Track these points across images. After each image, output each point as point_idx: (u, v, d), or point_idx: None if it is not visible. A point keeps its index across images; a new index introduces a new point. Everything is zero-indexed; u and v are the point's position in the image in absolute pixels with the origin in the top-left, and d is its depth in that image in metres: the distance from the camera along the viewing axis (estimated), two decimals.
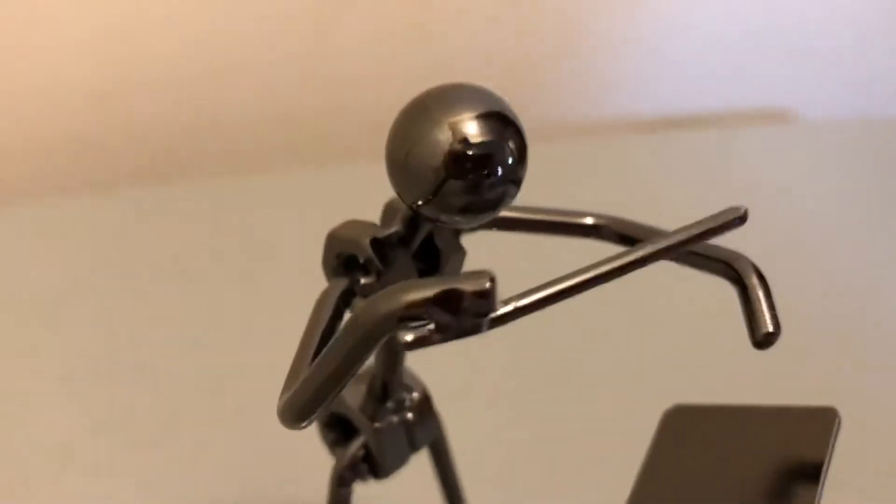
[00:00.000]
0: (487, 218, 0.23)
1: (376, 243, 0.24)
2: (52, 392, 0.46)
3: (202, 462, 0.42)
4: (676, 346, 0.47)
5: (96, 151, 0.63)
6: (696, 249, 0.24)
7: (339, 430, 0.30)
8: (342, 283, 0.25)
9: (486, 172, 0.21)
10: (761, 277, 0.24)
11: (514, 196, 0.22)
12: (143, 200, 0.60)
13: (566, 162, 0.60)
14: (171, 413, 0.45)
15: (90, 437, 0.44)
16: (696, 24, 0.66)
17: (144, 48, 0.61)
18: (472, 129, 0.21)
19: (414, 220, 0.24)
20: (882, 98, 0.68)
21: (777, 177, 0.60)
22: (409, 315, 0.19)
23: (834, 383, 0.44)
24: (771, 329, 0.23)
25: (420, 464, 0.32)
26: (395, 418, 0.29)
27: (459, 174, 0.21)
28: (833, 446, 0.25)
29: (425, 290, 0.19)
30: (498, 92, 0.22)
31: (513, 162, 0.22)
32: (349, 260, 0.25)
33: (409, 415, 0.29)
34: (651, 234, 0.25)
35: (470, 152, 0.21)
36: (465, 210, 0.22)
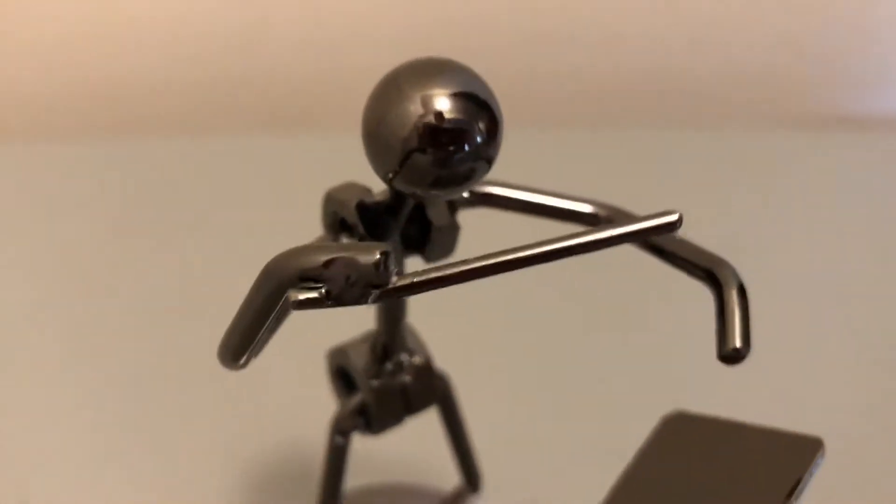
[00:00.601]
0: (459, 192, 0.23)
1: (362, 208, 0.24)
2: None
3: (200, 411, 0.43)
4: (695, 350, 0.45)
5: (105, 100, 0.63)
6: (683, 252, 0.24)
7: (344, 382, 0.31)
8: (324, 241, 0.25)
9: (451, 148, 0.21)
10: (742, 291, 0.23)
11: (484, 172, 0.23)
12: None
13: None
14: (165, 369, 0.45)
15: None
16: None
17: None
18: (442, 104, 0.21)
19: (399, 192, 0.24)
20: None
21: None
22: (306, 276, 0.20)
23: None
24: (739, 345, 0.22)
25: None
26: (392, 379, 0.30)
27: (424, 147, 0.21)
28: (810, 475, 0.25)
29: (322, 255, 0.20)
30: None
31: (481, 141, 0.22)
32: (343, 220, 0.26)
33: (407, 377, 0.30)
34: (665, 242, 0.24)
35: (437, 126, 0.21)
36: (435, 183, 0.22)
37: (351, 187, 0.25)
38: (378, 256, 0.19)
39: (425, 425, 0.34)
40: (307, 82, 0.63)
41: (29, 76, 0.63)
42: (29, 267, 0.51)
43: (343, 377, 0.31)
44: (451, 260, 0.24)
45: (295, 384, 0.40)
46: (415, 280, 0.20)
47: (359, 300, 0.20)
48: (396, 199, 0.25)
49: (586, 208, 0.26)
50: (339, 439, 0.31)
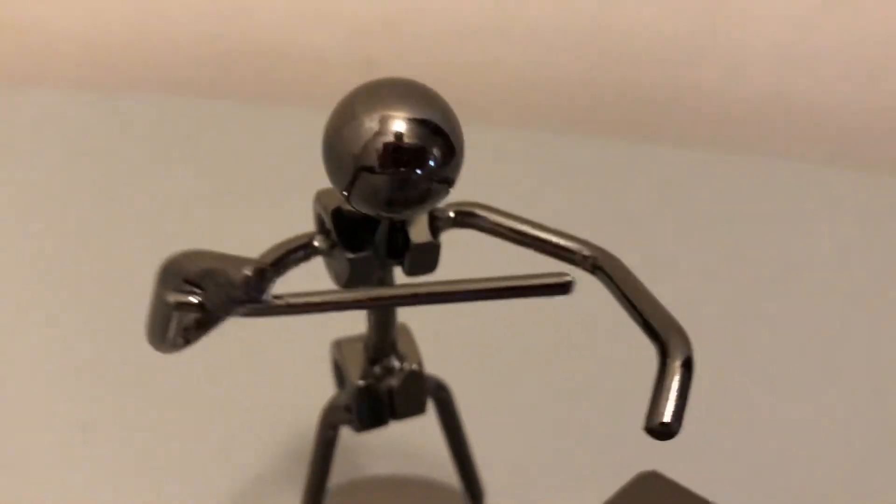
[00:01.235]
0: (417, 212, 0.23)
1: (337, 215, 0.24)
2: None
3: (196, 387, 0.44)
4: None
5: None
6: (643, 307, 0.22)
7: (340, 376, 0.31)
8: (304, 236, 0.25)
9: (402, 170, 0.21)
10: (687, 364, 0.21)
11: (443, 195, 0.22)
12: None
13: None
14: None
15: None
16: None
17: None
18: (398, 126, 0.21)
19: None
20: None
21: None
22: (188, 280, 0.20)
23: None
24: (668, 420, 0.20)
25: None
26: (378, 383, 0.30)
27: (373, 166, 0.21)
28: None
29: (200, 262, 0.20)
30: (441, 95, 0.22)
31: (434, 164, 0.21)
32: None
33: (394, 382, 0.30)
34: (634, 293, 0.23)
35: (389, 146, 0.21)
36: (389, 204, 0.22)
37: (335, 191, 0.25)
38: (248, 274, 0.19)
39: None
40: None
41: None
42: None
43: (339, 370, 0.31)
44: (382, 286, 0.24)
45: (304, 370, 0.41)
46: (290, 302, 0.20)
47: (229, 312, 0.20)
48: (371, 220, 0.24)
49: (572, 245, 0.25)
50: (327, 430, 0.31)
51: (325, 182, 0.23)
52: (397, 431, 0.41)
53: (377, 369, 0.30)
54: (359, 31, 0.62)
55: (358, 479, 0.39)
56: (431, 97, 0.22)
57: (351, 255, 0.24)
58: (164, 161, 0.57)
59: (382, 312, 0.28)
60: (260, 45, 0.63)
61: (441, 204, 0.25)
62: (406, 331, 0.30)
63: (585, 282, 0.27)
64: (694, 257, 0.51)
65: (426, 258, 0.25)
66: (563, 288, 0.20)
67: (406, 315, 0.31)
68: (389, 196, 0.22)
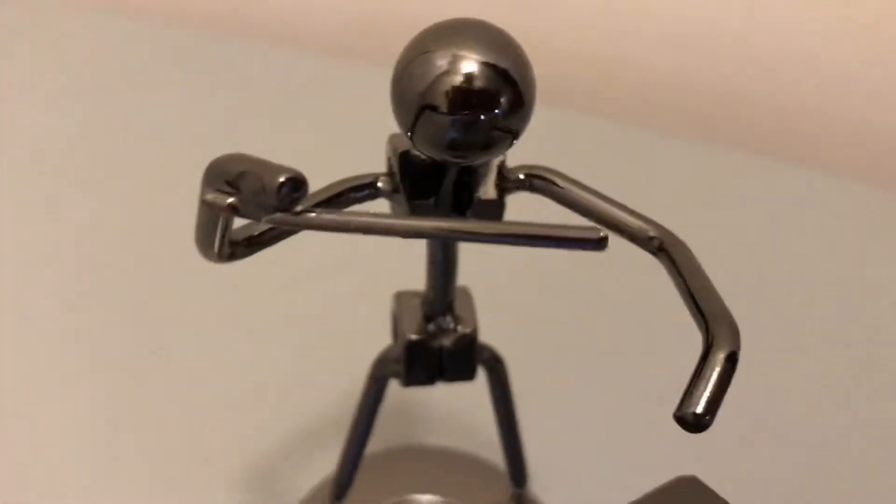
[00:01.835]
0: (479, 158, 0.22)
1: (405, 159, 0.24)
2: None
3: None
4: None
5: None
6: (696, 291, 0.21)
7: (397, 328, 0.31)
8: (369, 175, 0.25)
9: (466, 112, 0.21)
10: (731, 358, 0.20)
11: (507, 144, 0.22)
12: None
13: None
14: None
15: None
16: None
17: None
18: (468, 67, 0.21)
19: None
20: None
21: None
22: (227, 180, 0.20)
23: None
24: (701, 411, 0.19)
25: None
26: (430, 340, 0.29)
27: (437, 105, 0.21)
28: None
29: (242, 165, 0.19)
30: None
31: (500, 113, 0.21)
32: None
33: (446, 342, 0.29)
34: (693, 280, 0.22)
35: (456, 87, 0.21)
36: (453, 146, 0.22)
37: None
38: (282, 180, 0.19)
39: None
40: None
41: None
42: None
43: (396, 323, 0.31)
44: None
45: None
46: (319, 216, 0.20)
47: (259, 218, 0.20)
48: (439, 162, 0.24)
49: (639, 224, 0.24)
50: (376, 381, 0.31)
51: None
52: (446, 403, 0.41)
53: (431, 326, 0.29)
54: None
55: (401, 446, 0.39)
56: (507, 42, 0.21)
57: (412, 202, 0.24)
58: (244, 108, 0.58)
59: (441, 265, 0.28)
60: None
61: (512, 164, 0.25)
62: (466, 294, 0.30)
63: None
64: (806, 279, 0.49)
65: (489, 216, 0.25)
66: (598, 243, 0.20)
67: (474, 288, 0.31)
68: (452, 139, 0.21)
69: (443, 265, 0.28)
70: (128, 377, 0.42)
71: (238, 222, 0.22)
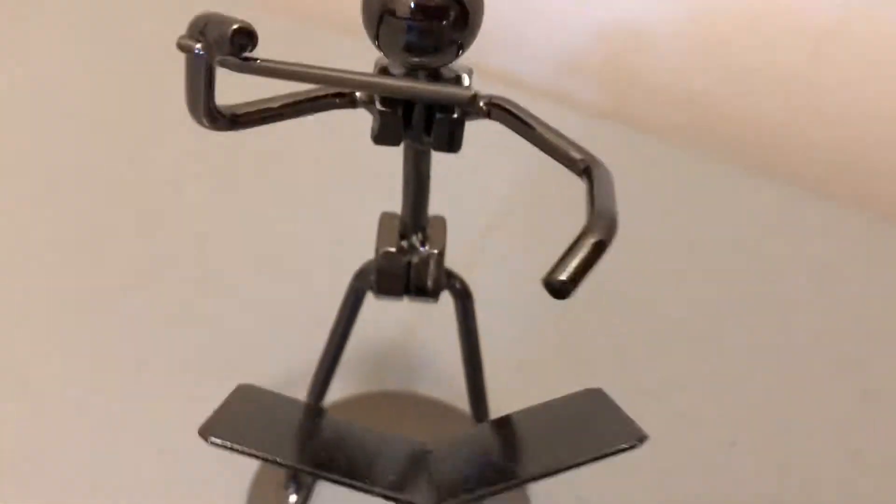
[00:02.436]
0: (432, 62, 0.26)
1: (384, 71, 0.28)
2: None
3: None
4: None
5: None
6: (597, 198, 0.24)
7: None
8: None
9: (419, 18, 0.24)
10: (601, 246, 0.21)
11: (453, 52, 0.26)
12: None
13: None
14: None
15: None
16: None
17: None
18: None
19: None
20: None
21: None
22: (203, 31, 0.23)
23: None
24: (565, 279, 0.20)
25: None
26: (401, 255, 0.32)
27: (394, 10, 0.24)
28: None
29: (215, 18, 0.23)
30: None
31: (447, 24, 0.24)
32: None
33: (415, 259, 0.32)
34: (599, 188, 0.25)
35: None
36: (408, 48, 0.25)
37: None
38: (234, 28, 0.22)
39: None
40: None
41: None
42: None
43: None
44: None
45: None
46: (261, 63, 0.24)
47: (209, 57, 0.23)
48: (410, 72, 0.27)
49: (568, 149, 0.26)
50: (354, 291, 0.34)
51: None
52: (413, 348, 0.43)
53: (404, 243, 0.32)
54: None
55: (366, 392, 0.42)
56: None
57: (381, 108, 0.28)
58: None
59: (412, 188, 0.31)
60: None
61: (475, 91, 0.28)
62: (441, 223, 0.33)
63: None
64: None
65: (447, 133, 0.28)
66: (469, 101, 0.23)
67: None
68: (408, 41, 0.25)
69: (414, 183, 0.31)
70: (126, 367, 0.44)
71: (224, 99, 0.26)
